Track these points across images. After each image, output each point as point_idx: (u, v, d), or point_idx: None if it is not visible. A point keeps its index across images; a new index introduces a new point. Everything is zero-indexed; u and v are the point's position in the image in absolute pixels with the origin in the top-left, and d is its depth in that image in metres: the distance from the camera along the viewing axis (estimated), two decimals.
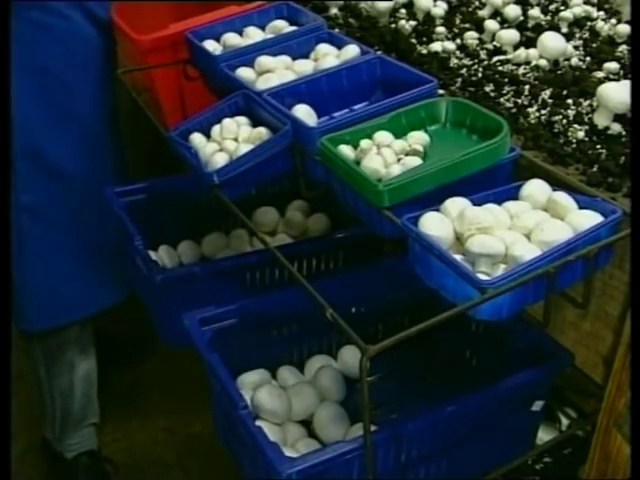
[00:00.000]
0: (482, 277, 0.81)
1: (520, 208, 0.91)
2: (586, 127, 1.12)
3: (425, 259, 0.86)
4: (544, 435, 1.19)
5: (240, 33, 1.39)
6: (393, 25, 1.52)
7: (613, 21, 1.46)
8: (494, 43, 1.41)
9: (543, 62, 1.31)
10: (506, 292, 0.80)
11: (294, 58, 1.28)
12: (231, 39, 1.37)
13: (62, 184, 1.59)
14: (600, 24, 1.45)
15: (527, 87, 1.24)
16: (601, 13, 1.50)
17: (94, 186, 1.55)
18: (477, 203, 0.91)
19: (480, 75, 1.30)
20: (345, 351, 1.28)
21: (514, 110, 1.19)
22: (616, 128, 1.11)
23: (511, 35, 1.39)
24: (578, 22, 1.47)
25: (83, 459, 1.80)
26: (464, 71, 1.32)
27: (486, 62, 1.35)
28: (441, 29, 1.47)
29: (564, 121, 1.14)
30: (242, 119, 1.16)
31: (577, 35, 1.43)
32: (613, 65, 1.26)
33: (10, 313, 1.02)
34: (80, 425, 1.78)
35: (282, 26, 1.39)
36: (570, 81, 1.24)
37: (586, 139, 1.10)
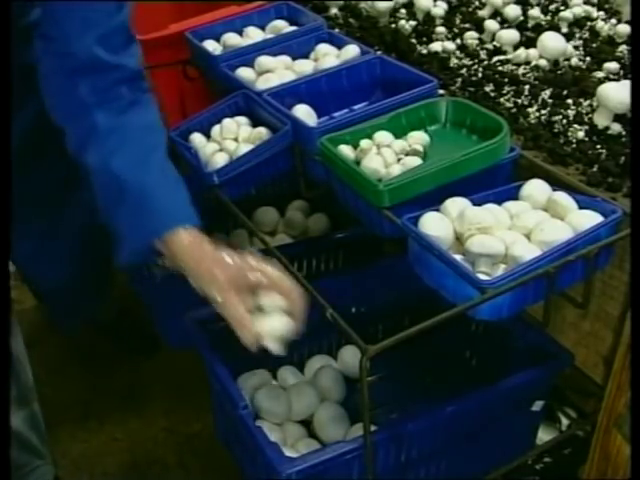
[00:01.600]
0: (482, 277, 0.81)
1: (520, 208, 0.91)
2: (586, 127, 1.12)
3: (425, 259, 0.86)
4: (544, 435, 1.19)
5: (240, 33, 1.40)
6: (393, 25, 1.51)
7: (613, 21, 1.45)
8: (494, 43, 1.41)
9: (543, 62, 1.31)
10: (506, 292, 0.80)
11: (294, 58, 1.28)
12: (231, 39, 1.37)
13: None
14: (600, 24, 1.44)
15: (527, 87, 1.24)
16: (601, 13, 1.50)
17: None
18: (477, 203, 0.91)
19: (480, 75, 1.30)
20: (345, 351, 1.28)
21: (514, 110, 1.19)
22: (616, 128, 1.11)
23: (511, 35, 1.39)
24: (578, 22, 1.47)
25: None
26: (464, 71, 1.32)
27: (486, 62, 1.35)
28: (441, 29, 1.47)
29: (564, 121, 1.14)
30: (242, 119, 1.16)
31: (577, 35, 1.43)
32: (613, 65, 1.26)
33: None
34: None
35: (282, 26, 1.39)
36: (570, 81, 1.24)
37: (586, 139, 1.10)
